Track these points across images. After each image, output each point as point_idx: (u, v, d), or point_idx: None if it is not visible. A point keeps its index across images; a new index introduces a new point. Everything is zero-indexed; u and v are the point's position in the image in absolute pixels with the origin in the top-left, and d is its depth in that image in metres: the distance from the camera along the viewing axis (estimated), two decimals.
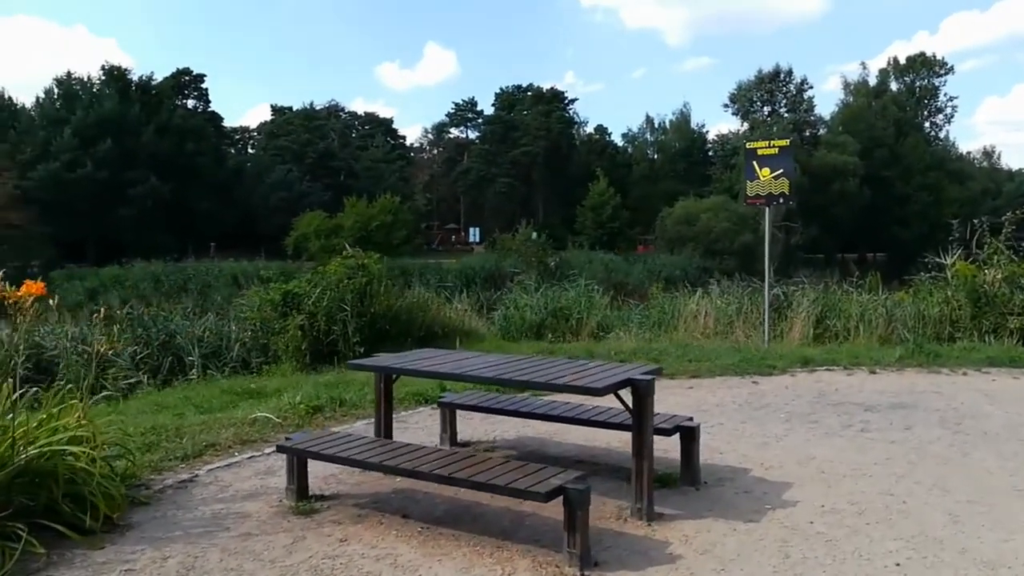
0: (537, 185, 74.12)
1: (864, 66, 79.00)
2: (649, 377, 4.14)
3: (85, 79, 50.84)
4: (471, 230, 58.69)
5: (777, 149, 10.61)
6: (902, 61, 78.92)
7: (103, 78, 51.08)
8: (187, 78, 62.44)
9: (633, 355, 10.11)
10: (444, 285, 17.69)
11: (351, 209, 40.35)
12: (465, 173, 73.05)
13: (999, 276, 11.76)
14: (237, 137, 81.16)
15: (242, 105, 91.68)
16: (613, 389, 3.99)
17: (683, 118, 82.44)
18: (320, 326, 10.78)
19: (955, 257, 12.85)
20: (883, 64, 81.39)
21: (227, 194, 58.42)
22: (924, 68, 78.05)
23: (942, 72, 78.08)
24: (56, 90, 50.00)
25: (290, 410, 6.52)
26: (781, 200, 10.68)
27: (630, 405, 4.14)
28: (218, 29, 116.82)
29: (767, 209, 10.94)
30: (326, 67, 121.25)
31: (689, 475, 4.69)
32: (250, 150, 79.12)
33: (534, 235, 60.27)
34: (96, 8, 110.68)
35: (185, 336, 10.79)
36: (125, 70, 52.05)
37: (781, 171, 10.54)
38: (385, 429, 5.12)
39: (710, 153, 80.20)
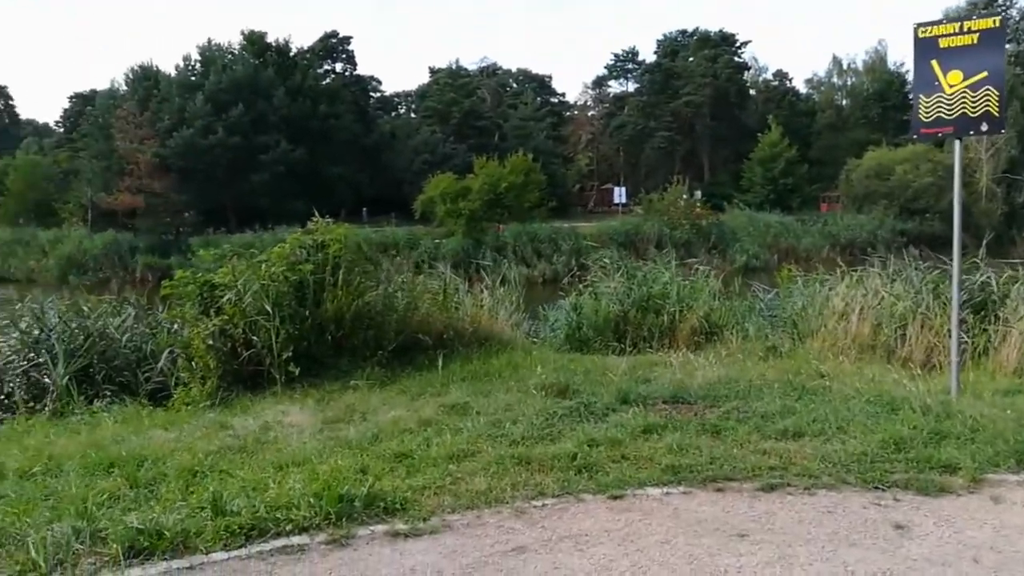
0: (701, 139, 67.23)
1: None
2: None
3: (225, 45, 51.42)
4: (616, 190, 53.24)
5: (976, 36, 5.75)
6: None
7: (243, 43, 51.31)
8: (334, 40, 61.78)
9: (705, 397, 5.91)
10: (479, 263, 13.59)
11: (480, 170, 37.16)
12: (620, 128, 67.51)
13: None
14: (397, 101, 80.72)
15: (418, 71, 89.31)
16: None
17: (877, 57, 71.59)
18: (237, 336, 7.43)
19: None
20: None
21: (375, 159, 57.35)
22: None
23: None
24: (195, 57, 50.94)
25: None
26: (985, 127, 5.84)
27: None
28: None
29: (957, 144, 6.09)
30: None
31: None
32: (413, 115, 78.25)
33: (697, 195, 54.54)
34: None
35: (60, 341, 7.77)
36: (262, 34, 51.93)
37: (984, 74, 5.70)
38: None
39: (909, 96, 68.92)
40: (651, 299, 10.51)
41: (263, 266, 7.85)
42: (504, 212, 37.62)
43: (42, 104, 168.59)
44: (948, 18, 5.73)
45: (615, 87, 77.20)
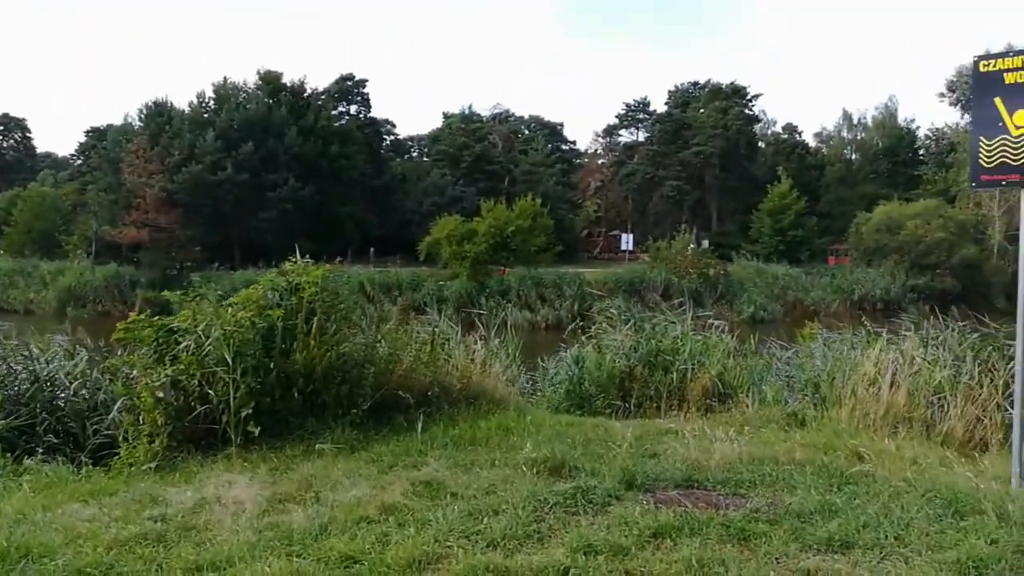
0: (710, 189, 66.85)
1: None
2: None
3: (240, 84, 51.66)
4: (623, 237, 52.84)
5: None
6: None
7: (259, 83, 51.53)
8: (350, 83, 62.05)
9: (725, 483, 5.00)
10: (477, 311, 12.47)
11: (487, 213, 36.65)
12: (630, 176, 67.25)
13: None
14: (410, 144, 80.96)
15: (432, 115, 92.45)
16: None
17: (888, 113, 71.63)
18: (191, 388, 6.55)
19: None
20: None
21: (385, 199, 57.10)
22: None
23: None
24: (209, 95, 51.17)
25: None
26: None
27: None
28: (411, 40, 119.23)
29: (1023, 194, 5.26)
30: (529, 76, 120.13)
31: None
32: (425, 158, 78.47)
33: (705, 244, 53.76)
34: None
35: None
36: (279, 74, 52.18)
37: None
38: None
39: (920, 152, 68.82)
40: (660, 354, 9.68)
41: (230, 310, 7.02)
42: (510, 256, 37.00)
43: (62, 138, 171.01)
44: (1015, 50, 4.92)
45: (625, 136, 77.41)
